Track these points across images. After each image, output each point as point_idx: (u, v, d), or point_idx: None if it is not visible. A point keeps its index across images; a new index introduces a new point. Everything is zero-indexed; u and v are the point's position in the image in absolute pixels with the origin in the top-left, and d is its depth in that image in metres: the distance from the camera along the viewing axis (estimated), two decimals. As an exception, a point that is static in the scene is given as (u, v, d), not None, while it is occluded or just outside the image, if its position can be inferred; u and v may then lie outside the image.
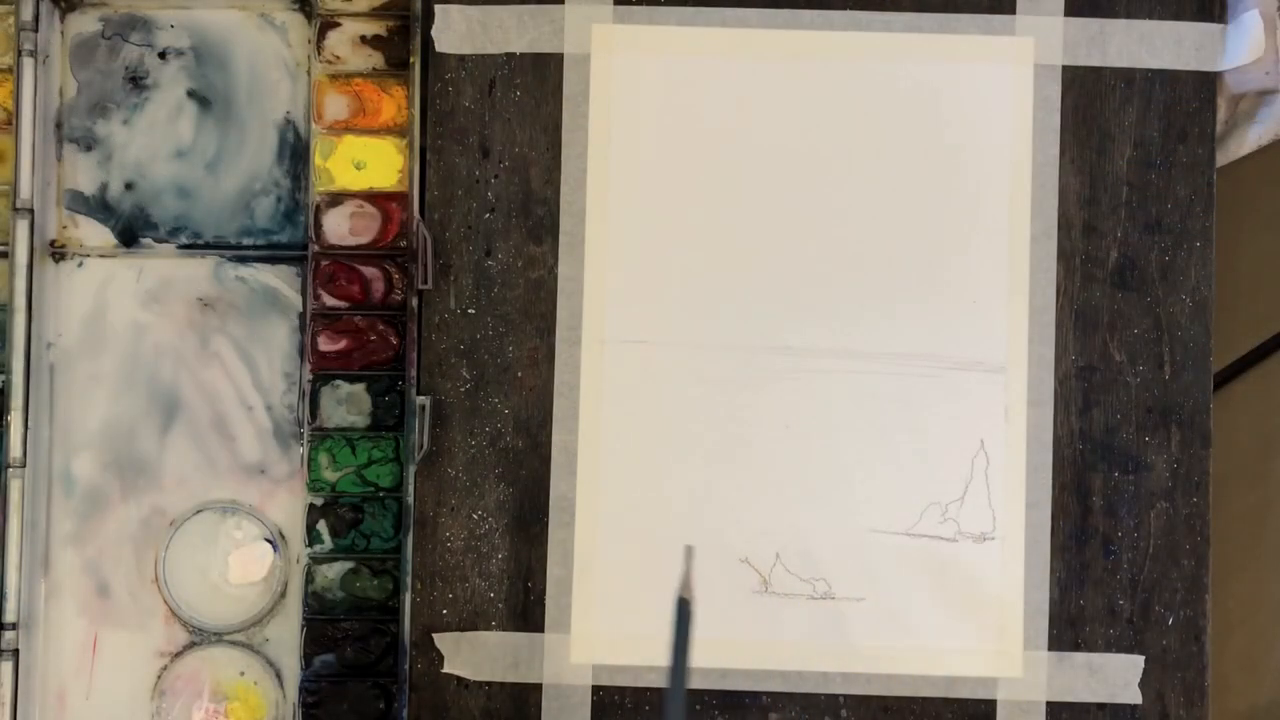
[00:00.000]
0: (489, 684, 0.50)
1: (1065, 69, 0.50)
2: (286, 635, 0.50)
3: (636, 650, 0.49)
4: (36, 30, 0.50)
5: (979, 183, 0.50)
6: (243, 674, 0.50)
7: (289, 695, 0.50)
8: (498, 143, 0.51)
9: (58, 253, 0.51)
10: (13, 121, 0.50)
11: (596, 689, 0.50)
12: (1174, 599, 0.50)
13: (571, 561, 0.50)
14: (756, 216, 0.50)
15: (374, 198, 0.51)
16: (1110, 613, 0.50)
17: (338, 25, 0.51)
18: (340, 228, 0.51)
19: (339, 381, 0.50)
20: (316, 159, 0.51)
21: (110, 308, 0.51)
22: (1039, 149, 0.50)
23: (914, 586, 0.49)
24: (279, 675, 0.50)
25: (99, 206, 0.52)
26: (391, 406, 0.50)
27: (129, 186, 0.52)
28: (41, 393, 0.51)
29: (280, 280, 0.51)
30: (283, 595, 0.51)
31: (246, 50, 0.52)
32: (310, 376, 0.50)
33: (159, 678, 0.51)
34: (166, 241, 0.52)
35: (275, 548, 0.51)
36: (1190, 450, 0.50)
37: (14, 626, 0.49)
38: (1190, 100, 0.50)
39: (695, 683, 0.49)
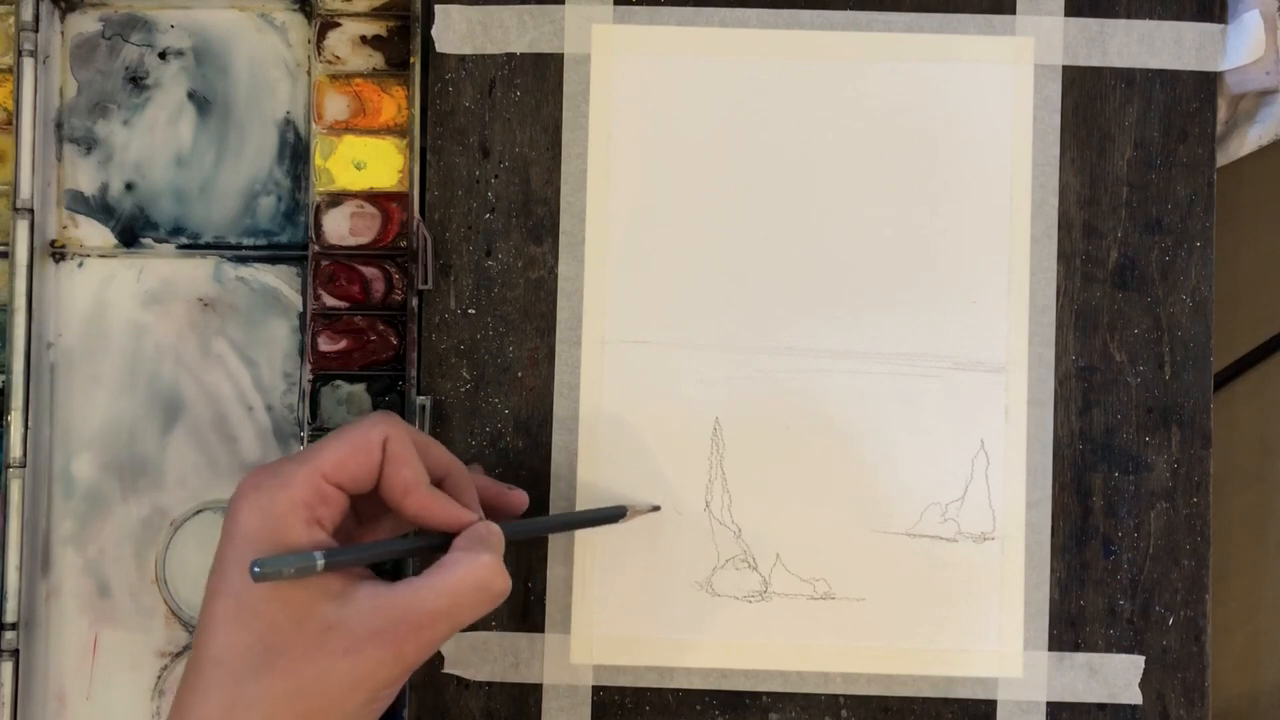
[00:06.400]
0: (489, 684, 0.50)
1: (1065, 69, 0.50)
2: (286, 635, 0.50)
3: (636, 650, 0.49)
4: (36, 30, 0.50)
5: (979, 183, 0.50)
6: (243, 674, 0.50)
7: (289, 695, 0.50)
8: (498, 143, 0.51)
9: (58, 253, 0.51)
10: (13, 121, 0.50)
11: (596, 689, 0.50)
12: (1174, 599, 0.50)
13: (571, 561, 0.50)
14: (756, 216, 0.50)
15: (374, 198, 0.51)
16: (1110, 613, 0.50)
17: (338, 25, 0.51)
18: (340, 228, 0.51)
19: (339, 381, 0.50)
20: (316, 159, 0.51)
21: (110, 308, 0.51)
22: (1039, 149, 0.50)
23: (914, 586, 0.50)
24: (279, 675, 0.50)
25: (99, 207, 0.52)
26: (391, 407, 0.50)
27: (129, 187, 0.52)
28: (41, 393, 0.51)
29: (280, 280, 0.51)
30: (283, 595, 0.51)
31: (246, 51, 0.52)
32: (310, 376, 0.50)
33: (159, 678, 0.51)
34: (166, 242, 0.52)
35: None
36: (1190, 450, 0.50)
37: (14, 626, 0.49)
38: (1190, 100, 0.50)
39: (696, 683, 0.49)
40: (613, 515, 0.48)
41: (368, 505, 0.43)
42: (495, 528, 0.42)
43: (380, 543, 0.42)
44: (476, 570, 0.40)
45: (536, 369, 0.50)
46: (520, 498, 0.46)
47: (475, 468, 0.48)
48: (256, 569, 0.37)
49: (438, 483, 0.43)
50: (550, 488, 0.50)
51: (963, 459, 0.50)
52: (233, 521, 0.39)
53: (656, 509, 0.49)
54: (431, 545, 0.41)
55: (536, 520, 0.49)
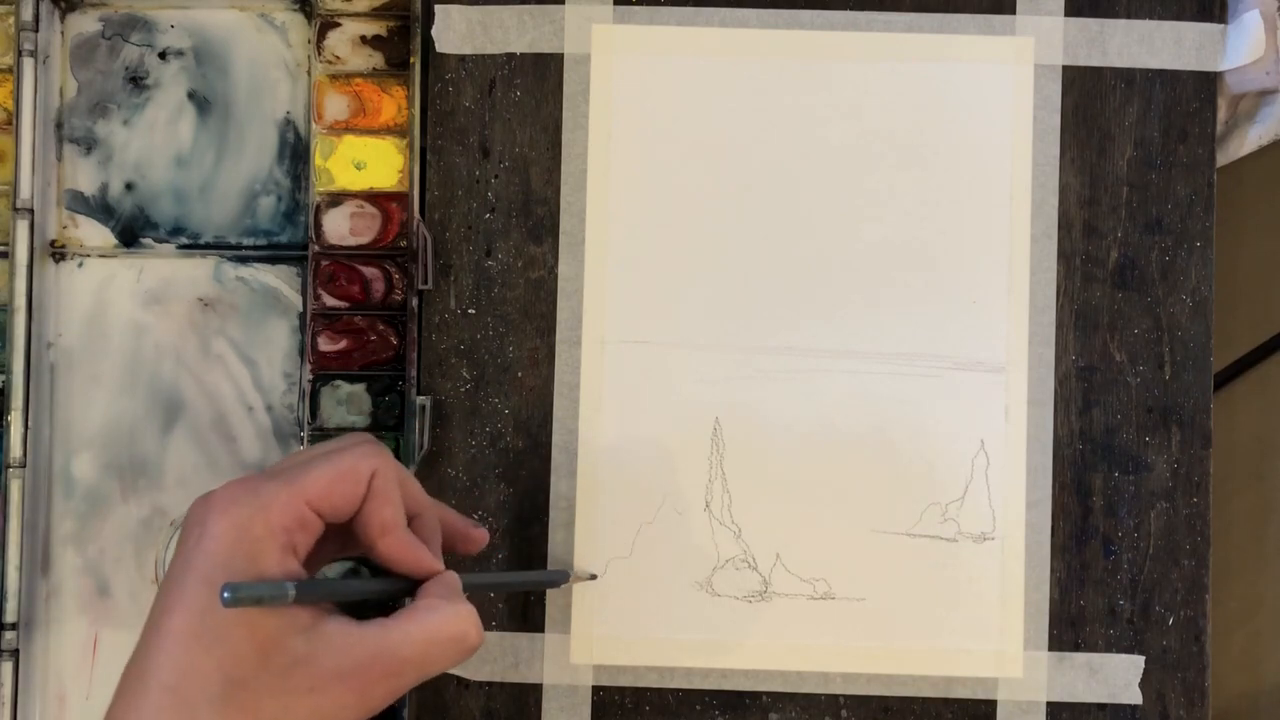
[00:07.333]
0: (489, 684, 0.50)
1: (1065, 69, 0.50)
2: (286, 635, 0.50)
3: (636, 650, 0.49)
4: (36, 30, 0.50)
5: (979, 183, 0.50)
6: (243, 674, 0.50)
7: (289, 695, 0.50)
8: (498, 143, 0.51)
9: (58, 253, 0.51)
10: (13, 121, 0.50)
11: (596, 689, 0.50)
12: (1174, 599, 0.50)
13: (571, 561, 0.50)
14: (756, 216, 0.50)
15: (374, 198, 0.51)
16: (1110, 613, 0.50)
17: (338, 25, 0.51)
18: (340, 228, 0.51)
19: (339, 381, 0.50)
20: (316, 159, 0.51)
21: (110, 308, 0.51)
22: (1039, 149, 0.50)
23: (914, 586, 0.50)
24: (279, 675, 0.50)
25: (99, 207, 0.52)
26: (391, 406, 0.50)
27: (129, 187, 0.52)
28: (41, 393, 0.51)
29: (280, 280, 0.52)
30: (283, 595, 0.51)
31: (246, 51, 0.52)
32: (310, 376, 0.50)
33: (159, 678, 0.51)
34: (166, 241, 0.52)
35: (275, 548, 0.51)
36: (1190, 450, 0.50)
37: (14, 626, 0.49)
38: (1190, 100, 0.50)
39: (696, 683, 0.49)
40: (557, 579, 0.48)
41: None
42: (458, 578, 0.40)
43: (351, 580, 0.41)
44: (457, 621, 0.38)
45: (536, 369, 0.50)
46: (481, 536, 0.45)
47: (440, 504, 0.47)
48: (227, 594, 0.34)
49: (407, 522, 0.41)
50: (550, 488, 0.50)
51: (963, 459, 0.50)
52: (201, 534, 0.36)
53: (594, 578, 0.49)
54: (403, 589, 0.40)
55: (486, 575, 0.49)
